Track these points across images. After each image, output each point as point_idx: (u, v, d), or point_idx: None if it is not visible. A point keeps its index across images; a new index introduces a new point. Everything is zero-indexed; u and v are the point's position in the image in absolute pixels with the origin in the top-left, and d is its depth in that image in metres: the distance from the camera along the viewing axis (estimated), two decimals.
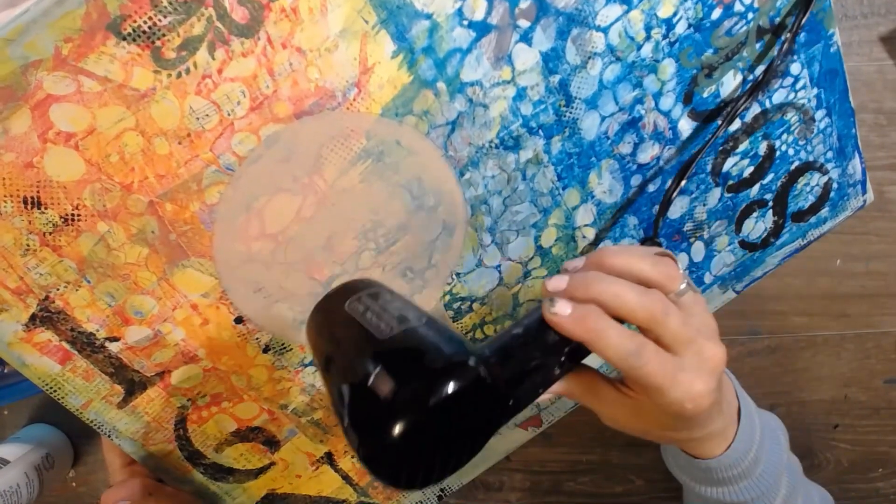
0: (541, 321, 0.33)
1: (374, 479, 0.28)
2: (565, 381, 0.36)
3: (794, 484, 0.42)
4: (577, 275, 0.34)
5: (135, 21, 0.33)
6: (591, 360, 0.35)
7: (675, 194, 0.46)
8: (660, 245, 0.44)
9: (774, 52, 0.46)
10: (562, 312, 0.32)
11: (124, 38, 0.33)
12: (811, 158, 0.52)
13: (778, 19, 0.46)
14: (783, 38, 0.46)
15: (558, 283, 0.34)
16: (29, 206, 0.35)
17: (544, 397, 0.34)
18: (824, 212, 0.55)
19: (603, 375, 0.37)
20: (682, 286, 0.34)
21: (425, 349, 0.28)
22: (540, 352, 0.33)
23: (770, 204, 0.53)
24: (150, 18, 0.33)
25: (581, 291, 0.33)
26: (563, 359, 0.33)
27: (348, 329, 0.30)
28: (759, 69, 0.47)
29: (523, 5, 0.39)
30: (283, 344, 0.43)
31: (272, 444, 0.47)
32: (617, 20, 0.42)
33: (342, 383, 0.28)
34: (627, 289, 0.32)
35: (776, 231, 0.54)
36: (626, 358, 0.31)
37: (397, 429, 0.26)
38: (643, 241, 0.47)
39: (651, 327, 0.32)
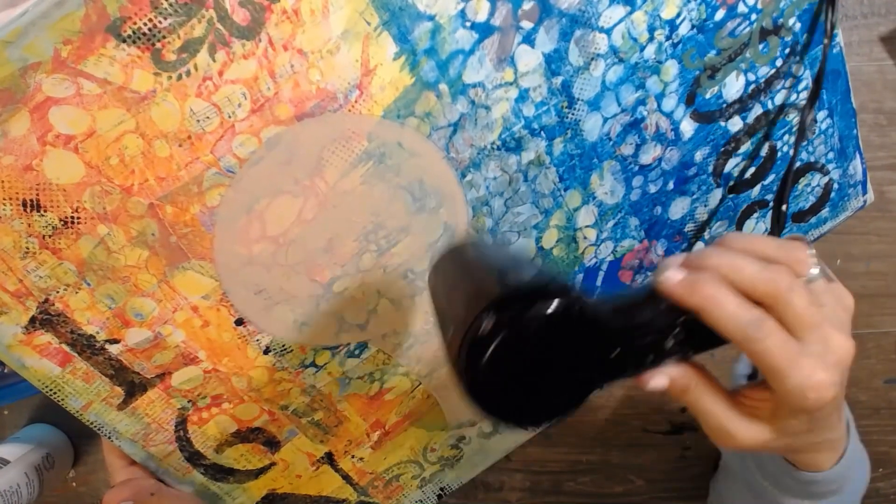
0: (654, 289, 0.31)
1: (474, 404, 0.27)
2: (679, 369, 0.32)
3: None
4: (694, 252, 0.32)
5: (135, 23, 0.32)
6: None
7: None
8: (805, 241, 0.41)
9: (782, 53, 0.46)
10: (673, 277, 0.30)
11: (124, 41, 0.33)
12: (812, 159, 0.52)
13: (781, 20, 0.45)
14: (792, 38, 0.45)
15: (673, 257, 0.32)
16: (28, 209, 0.35)
17: (654, 382, 0.32)
18: (825, 212, 0.55)
19: (721, 385, 0.34)
20: (814, 271, 0.31)
21: (540, 272, 0.29)
22: (651, 314, 0.31)
23: (771, 204, 0.53)
24: (150, 20, 0.33)
25: (696, 262, 0.31)
26: (677, 330, 0.31)
27: (475, 270, 0.31)
28: (763, 70, 0.47)
29: (526, 7, 0.39)
30: (283, 345, 0.43)
31: (272, 444, 0.47)
32: (620, 21, 0.41)
33: (457, 304, 0.29)
34: (748, 261, 0.30)
35: (777, 232, 0.54)
36: (743, 329, 0.29)
37: (497, 339, 0.26)
38: None
39: (773, 304, 0.29)
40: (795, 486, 0.39)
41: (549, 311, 0.26)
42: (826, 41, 0.46)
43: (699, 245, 0.52)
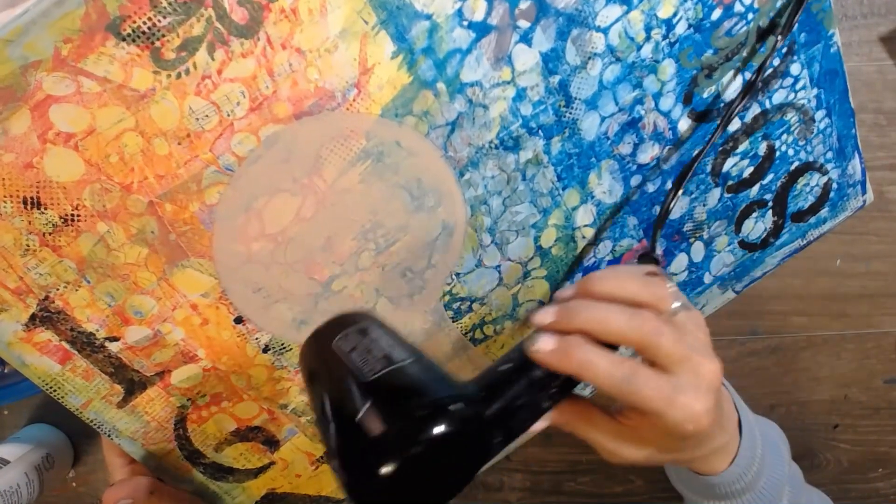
0: (526, 359, 0.33)
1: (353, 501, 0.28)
2: (557, 412, 0.35)
3: (796, 494, 0.42)
4: (563, 305, 0.33)
5: (134, 22, 0.33)
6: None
7: (673, 203, 0.46)
8: (657, 262, 0.43)
9: (769, 52, 0.46)
10: (544, 348, 0.32)
11: (124, 39, 0.33)
12: (811, 159, 0.52)
13: (778, 20, 0.45)
14: (776, 38, 0.45)
15: (544, 316, 0.34)
16: (28, 207, 0.35)
17: (536, 427, 0.34)
18: (824, 212, 0.55)
19: (597, 406, 0.36)
20: (675, 305, 0.33)
21: (410, 390, 0.29)
22: (528, 387, 0.32)
23: (770, 204, 0.53)
24: (149, 19, 0.33)
25: (566, 322, 0.32)
26: (553, 391, 0.33)
27: (335, 368, 0.30)
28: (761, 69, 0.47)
29: (523, 6, 0.39)
30: (282, 344, 0.43)
31: (272, 443, 0.47)
32: (617, 21, 0.42)
33: (329, 421, 0.29)
34: (615, 312, 0.32)
35: (776, 231, 0.54)
36: (618, 385, 0.30)
37: (383, 470, 0.26)
38: (641, 257, 0.47)
39: (644, 348, 0.32)
40: (703, 490, 0.40)
41: (434, 434, 0.27)
42: (778, 38, 0.45)
43: (698, 245, 0.52)
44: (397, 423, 0.27)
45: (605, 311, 0.32)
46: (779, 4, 0.45)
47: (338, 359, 0.30)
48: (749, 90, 0.45)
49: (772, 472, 0.40)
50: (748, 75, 0.47)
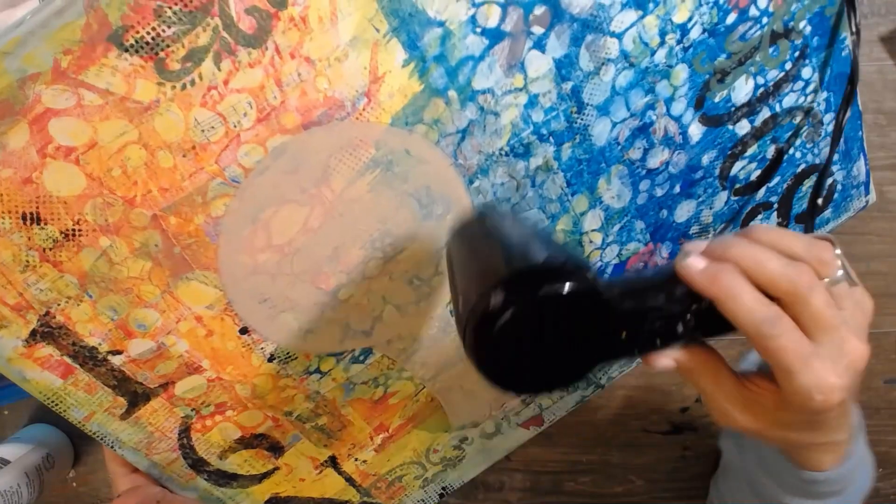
0: (673, 273, 0.31)
1: (480, 374, 0.28)
2: (686, 352, 0.32)
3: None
4: (720, 239, 0.31)
5: (137, 32, 0.31)
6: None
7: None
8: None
9: (791, 56, 0.46)
10: (694, 265, 0.30)
11: (126, 50, 0.31)
12: (818, 161, 0.52)
13: (792, 24, 0.45)
14: (802, 41, 0.45)
15: (696, 245, 0.32)
16: (28, 222, 0.34)
17: (662, 362, 0.32)
18: (827, 213, 0.55)
19: (727, 365, 0.34)
20: (838, 273, 0.31)
21: (553, 248, 0.29)
22: (665, 299, 0.31)
23: (775, 206, 0.52)
24: (153, 29, 0.31)
25: (719, 252, 0.30)
26: (688, 317, 0.31)
27: (494, 238, 0.32)
28: (772, 74, 0.46)
29: (538, 12, 0.38)
30: (288, 353, 0.43)
31: (276, 449, 0.47)
32: (632, 26, 0.41)
33: (471, 275, 0.30)
34: (771, 255, 0.29)
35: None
36: (759, 324, 0.28)
37: (506, 315, 0.26)
38: None
39: (792, 302, 0.29)
40: (797, 484, 0.38)
41: (560, 292, 0.27)
42: (853, 38, 0.45)
43: None
44: (528, 270, 0.27)
45: (762, 252, 0.30)
46: (793, 8, 0.44)
47: (493, 237, 0.32)
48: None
49: (860, 485, 0.39)
50: (760, 79, 0.46)
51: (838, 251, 0.32)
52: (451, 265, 0.35)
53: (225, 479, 0.46)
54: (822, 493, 0.38)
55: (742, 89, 0.46)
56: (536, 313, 0.27)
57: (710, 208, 0.50)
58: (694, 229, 0.50)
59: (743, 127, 0.47)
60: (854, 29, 0.45)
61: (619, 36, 0.41)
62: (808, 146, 0.51)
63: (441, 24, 0.36)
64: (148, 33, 0.31)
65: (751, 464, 0.43)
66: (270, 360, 0.43)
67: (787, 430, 0.33)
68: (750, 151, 0.49)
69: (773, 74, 0.46)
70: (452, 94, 0.38)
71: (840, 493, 0.38)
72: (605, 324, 0.29)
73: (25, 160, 0.32)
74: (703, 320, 0.31)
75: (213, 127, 0.34)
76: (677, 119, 0.45)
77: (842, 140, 0.52)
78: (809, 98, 0.48)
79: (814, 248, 0.31)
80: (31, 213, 0.34)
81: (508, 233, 0.32)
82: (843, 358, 0.30)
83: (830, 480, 0.37)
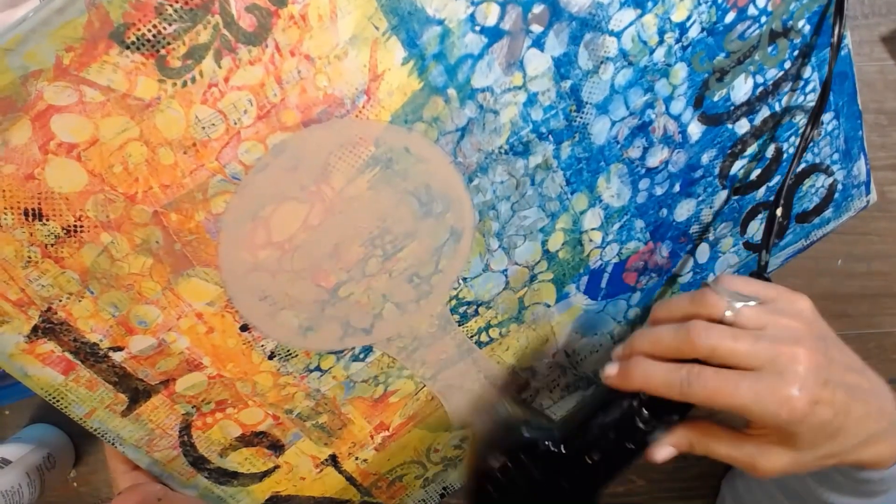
0: (606, 390, 0.37)
1: None
2: (676, 436, 0.36)
3: None
4: (625, 341, 0.37)
5: (139, 29, 0.32)
6: None
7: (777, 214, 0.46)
8: (767, 279, 0.42)
9: (790, 55, 0.46)
10: (610, 372, 0.35)
11: (128, 47, 0.32)
12: (817, 160, 0.52)
13: (791, 23, 0.45)
14: (801, 40, 0.45)
15: (615, 352, 0.38)
16: (30, 218, 0.34)
17: (660, 454, 0.36)
18: (828, 212, 0.55)
19: (718, 423, 0.36)
20: (728, 313, 0.33)
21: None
22: (607, 411, 0.37)
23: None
24: (154, 26, 0.32)
25: (627, 350, 0.36)
26: (640, 409, 0.36)
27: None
28: (771, 72, 0.46)
29: (536, 10, 0.38)
30: (288, 350, 0.43)
31: (276, 448, 0.47)
32: (630, 24, 0.41)
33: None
34: (662, 330, 0.33)
35: (780, 232, 0.54)
36: (679, 388, 0.31)
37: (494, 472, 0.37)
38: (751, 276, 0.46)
39: (705, 356, 0.32)
40: (845, 483, 0.38)
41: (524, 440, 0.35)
42: (832, 51, 0.45)
43: (703, 247, 0.52)
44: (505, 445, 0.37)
45: (654, 332, 0.34)
46: (792, 7, 0.44)
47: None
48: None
49: None
50: (759, 78, 0.46)
51: (719, 288, 0.34)
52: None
53: (225, 477, 0.46)
54: (875, 492, 0.38)
55: (741, 88, 0.46)
56: (519, 466, 0.36)
57: (711, 207, 0.50)
58: (694, 228, 0.51)
59: (742, 126, 0.47)
60: (838, 34, 0.45)
61: (618, 34, 0.41)
62: (803, 155, 0.51)
63: (440, 22, 0.37)
64: (149, 31, 0.32)
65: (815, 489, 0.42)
66: (271, 357, 0.43)
67: (811, 452, 0.33)
68: (749, 150, 0.49)
69: (773, 73, 0.46)
70: (452, 92, 0.39)
71: (890, 490, 0.38)
72: (576, 461, 0.35)
73: (27, 156, 0.33)
74: (655, 405, 0.35)
75: (213, 124, 0.35)
76: (676, 118, 0.45)
77: (842, 140, 0.52)
78: (809, 97, 0.49)
79: (695, 300, 0.35)
80: (33, 209, 0.34)
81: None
82: (788, 368, 0.31)
83: (892, 477, 0.36)
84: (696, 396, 0.31)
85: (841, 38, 0.45)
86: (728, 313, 0.33)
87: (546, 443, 0.36)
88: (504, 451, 0.36)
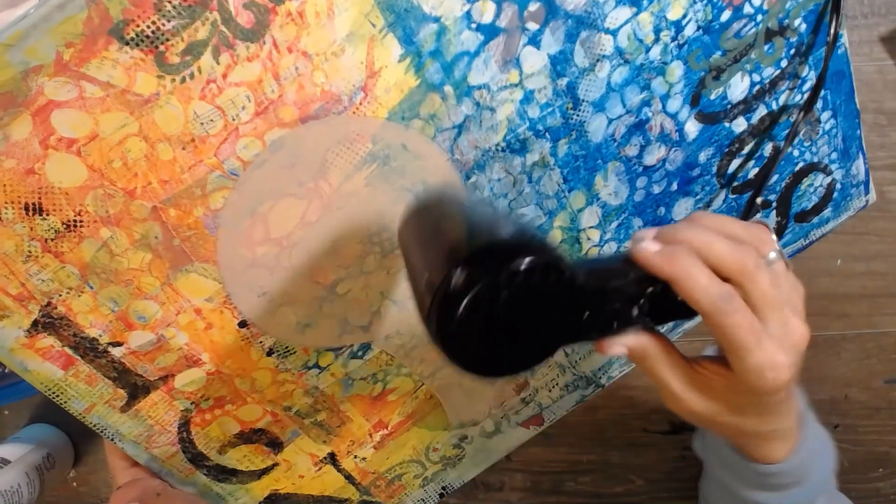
0: (628, 258, 0.32)
1: (442, 355, 0.28)
2: (637, 338, 0.33)
3: (831, 498, 0.41)
4: (666, 226, 0.33)
5: (138, 25, 0.32)
6: None
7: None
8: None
9: (787, 54, 0.46)
10: (650, 248, 0.31)
11: (127, 43, 0.32)
12: (816, 159, 0.52)
13: (787, 21, 0.45)
14: (797, 38, 0.45)
15: (645, 231, 0.33)
16: (30, 213, 0.34)
17: (615, 349, 0.33)
18: (827, 212, 0.55)
19: (679, 352, 0.34)
20: (774, 254, 0.32)
21: (517, 227, 0.29)
22: (623, 281, 0.31)
23: (774, 204, 0.52)
24: (153, 23, 0.32)
25: (671, 236, 0.31)
26: (642, 301, 0.32)
27: (433, 234, 0.31)
28: (767, 71, 0.46)
29: (532, 8, 0.38)
30: (286, 347, 0.43)
31: (275, 445, 0.47)
32: (626, 22, 0.41)
33: (421, 273, 0.29)
34: (719, 238, 0.31)
35: (779, 231, 0.54)
36: (715, 301, 0.29)
37: (470, 293, 0.26)
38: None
39: (740, 281, 0.30)
40: (753, 478, 0.39)
41: (523, 267, 0.26)
42: (827, 49, 0.46)
43: None
44: (493, 249, 0.27)
45: (709, 235, 0.31)
46: (788, 6, 0.45)
47: (451, 219, 0.31)
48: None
49: (820, 473, 0.39)
50: (756, 77, 0.46)
51: (773, 234, 0.33)
52: (407, 248, 0.34)
53: (224, 474, 0.47)
54: (780, 485, 0.38)
55: (738, 86, 0.46)
56: (501, 291, 0.26)
57: (708, 206, 0.50)
58: None
59: (739, 124, 0.48)
60: (834, 32, 0.45)
61: (614, 32, 0.41)
62: (805, 144, 0.51)
63: (436, 19, 0.37)
64: (148, 27, 0.32)
65: (713, 463, 0.44)
66: (269, 354, 0.43)
67: (738, 415, 0.34)
68: (747, 149, 0.49)
69: (769, 72, 0.47)
70: (448, 89, 0.39)
71: (799, 483, 0.38)
72: (570, 302, 0.29)
73: (28, 151, 0.33)
74: (657, 304, 0.32)
75: (211, 120, 0.35)
76: (673, 116, 0.45)
77: (840, 139, 0.52)
78: (806, 96, 0.49)
79: (752, 229, 0.33)
80: (34, 204, 0.34)
81: (469, 212, 0.32)
82: (788, 336, 0.31)
83: (784, 472, 0.37)
84: (724, 316, 0.29)
85: (837, 35, 0.45)
86: (772, 256, 0.32)
87: (568, 271, 0.27)
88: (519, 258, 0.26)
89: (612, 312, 0.32)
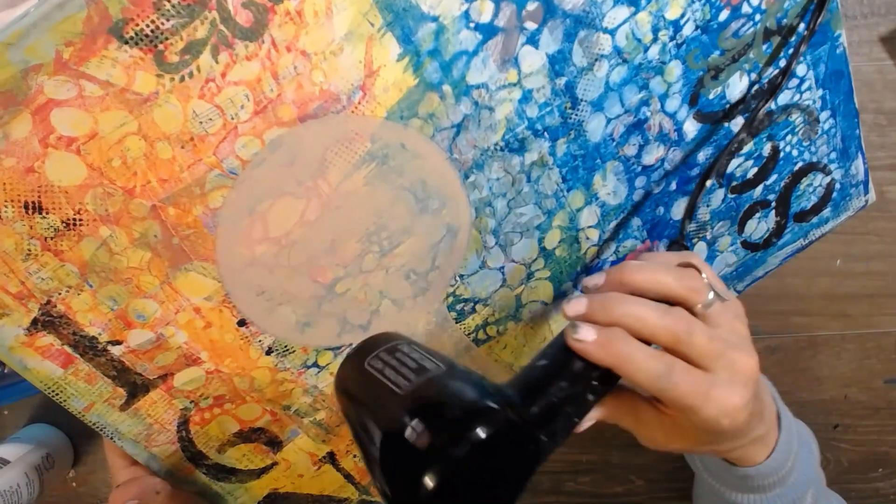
0: (565, 349, 0.32)
1: None
2: (603, 407, 0.35)
3: (819, 495, 0.42)
4: (597, 297, 0.33)
5: (137, 24, 0.32)
6: None
7: (699, 199, 0.46)
8: (686, 248, 0.43)
9: (786, 53, 0.46)
10: (587, 338, 0.31)
11: (126, 42, 0.32)
12: (815, 159, 0.52)
13: (785, 21, 0.45)
14: (795, 38, 0.45)
15: (577, 306, 0.33)
16: (30, 211, 0.35)
17: (584, 424, 0.34)
18: (826, 212, 0.55)
19: (640, 395, 0.36)
20: (709, 297, 0.33)
21: (447, 398, 0.28)
22: (568, 382, 0.32)
23: (773, 204, 0.53)
24: (152, 22, 0.32)
25: (602, 315, 0.32)
26: (594, 383, 0.33)
27: (370, 388, 0.30)
28: (767, 71, 0.46)
29: (530, 7, 0.39)
30: (285, 346, 0.43)
31: (274, 444, 0.47)
32: (624, 22, 0.41)
33: (370, 442, 0.28)
34: (649, 310, 0.31)
35: (778, 231, 0.54)
36: (655, 380, 0.30)
37: (429, 483, 0.25)
38: (671, 245, 0.47)
39: (676, 348, 0.31)
40: (735, 481, 0.40)
41: (477, 439, 0.26)
42: (806, 35, 0.45)
43: (701, 245, 0.52)
44: (436, 432, 0.26)
45: (640, 307, 0.32)
46: (787, 6, 0.45)
47: (373, 378, 0.30)
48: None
49: (803, 470, 0.40)
50: (754, 76, 0.46)
51: (705, 276, 0.34)
52: (344, 411, 0.33)
53: (223, 473, 0.47)
54: (764, 486, 0.39)
55: (736, 86, 0.46)
56: (459, 470, 0.26)
57: (708, 206, 0.50)
58: (691, 227, 0.51)
59: (738, 124, 0.48)
60: (812, 27, 0.45)
61: (612, 32, 0.41)
62: (804, 144, 0.51)
63: (435, 18, 0.37)
64: (147, 26, 0.32)
65: (700, 469, 0.44)
66: (268, 353, 0.43)
67: (711, 444, 0.35)
68: (746, 149, 0.49)
69: (768, 71, 0.47)
70: (447, 88, 0.39)
71: (782, 482, 0.39)
72: (525, 442, 0.29)
73: (28, 150, 0.33)
74: (606, 380, 0.33)
75: (210, 119, 0.35)
76: (672, 115, 0.45)
77: (839, 139, 0.52)
78: (805, 95, 0.49)
79: (684, 279, 0.33)
80: (33, 202, 0.34)
81: (395, 379, 0.30)
82: (737, 377, 0.32)
83: (765, 473, 0.38)
84: (668, 392, 0.31)
85: (816, 25, 0.45)
86: (709, 298, 0.33)
87: (513, 415, 0.28)
88: (471, 420, 0.26)
89: (569, 415, 0.32)
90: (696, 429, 0.33)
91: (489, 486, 0.28)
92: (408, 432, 0.26)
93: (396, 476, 0.27)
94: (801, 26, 0.46)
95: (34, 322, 0.37)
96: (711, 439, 0.34)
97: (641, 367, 0.31)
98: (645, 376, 0.31)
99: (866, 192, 0.56)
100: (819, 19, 0.44)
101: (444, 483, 0.26)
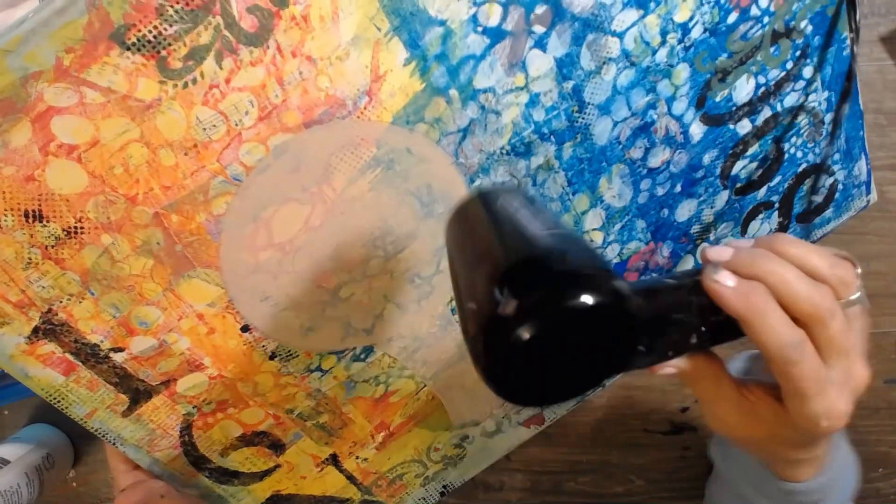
0: (696, 283, 0.30)
1: (487, 384, 0.26)
2: (692, 361, 0.32)
3: None
4: (745, 250, 0.31)
5: (139, 30, 0.31)
6: None
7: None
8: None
9: (793, 56, 0.46)
10: (725, 281, 0.29)
11: (128, 48, 0.32)
12: (819, 161, 0.52)
13: (793, 23, 0.45)
14: (803, 40, 0.45)
15: (721, 253, 0.31)
16: (30, 220, 0.34)
17: (666, 370, 0.32)
18: (829, 212, 0.55)
19: (728, 373, 0.33)
20: (856, 296, 0.30)
21: (575, 253, 0.26)
22: (686, 311, 0.30)
23: (776, 205, 0.52)
24: (155, 27, 0.31)
25: (747, 266, 0.30)
26: (704, 329, 0.30)
27: (505, 222, 0.28)
28: (773, 73, 0.46)
29: (539, 11, 0.38)
30: (289, 351, 0.43)
31: (277, 447, 0.47)
32: (633, 25, 0.41)
33: (468, 291, 0.26)
34: (797, 276, 0.29)
35: (781, 232, 0.54)
36: (783, 348, 0.28)
37: (519, 333, 0.24)
38: None
39: (811, 324, 0.29)
40: (777, 495, 0.38)
41: (588, 304, 0.24)
42: (852, 36, 0.45)
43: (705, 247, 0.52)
44: (539, 287, 0.24)
45: (789, 271, 0.29)
46: (795, 8, 0.44)
47: (508, 214, 0.28)
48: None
49: (842, 492, 0.39)
50: (761, 79, 0.46)
51: (859, 271, 0.31)
52: (453, 258, 0.31)
53: (226, 476, 0.46)
54: (801, 503, 0.38)
55: (743, 89, 0.46)
56: (558, 326, 0.25)
57: (712, 207, 0.50)
58: (695, 228, 0.50)
59: (744, 126, 0.47)
60: (854, 27, 0.45)
61: (621, 35, 0.41)
62: (809, 146, 0.51)
63: (442, 23, 0.36)
64: (150, 31, 0.31)
65: (734, 473, 0.43)
66: (272, 357, 0.43)
67: (777, 444, 0.33)
68: (751, 151, 0.49)
69: (775, 74, 0.46)
70: (454, 92, 0.38)
71: (821, 501, 0.38)
72: (627, 336, 0.27)
73: (28, 158, 0.32)
74: (717, 332, 0.31)
75: (214, 125, 0.35)
76: (678, 118, 0.45)
77: (843, 139, 0.52)
78: (811, 97, 0.48)
79: (837, 268, 0.30)
80: (34, 211, 0.34)
81: (524, 225, 0.28)
82: (849, 382, 0.30)
83: (809, 491, 0.37)
84: (791, 365, 0.28)
85: (858, 30, 0.45)
86: (854, 297, 0.30)
87: (629, 307, 0.25)
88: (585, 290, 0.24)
89: (668, 342, 0.31)
90: (777, 422, 0.31)
91: (574, 363, 0.26)
92: (509, 286, 0.24)
93: (489, 330, 0.24)
94: (809, 28, 0.45)
95: (35, 330, 0.37)
96: (789, 439, 0.32)
97: (775, 327, 0.28)
98: (775, 339, 0.28)
99: (868, 192, 0.56)
100: (844, 20, 0.44)
101: (533, 340, 0.24)
